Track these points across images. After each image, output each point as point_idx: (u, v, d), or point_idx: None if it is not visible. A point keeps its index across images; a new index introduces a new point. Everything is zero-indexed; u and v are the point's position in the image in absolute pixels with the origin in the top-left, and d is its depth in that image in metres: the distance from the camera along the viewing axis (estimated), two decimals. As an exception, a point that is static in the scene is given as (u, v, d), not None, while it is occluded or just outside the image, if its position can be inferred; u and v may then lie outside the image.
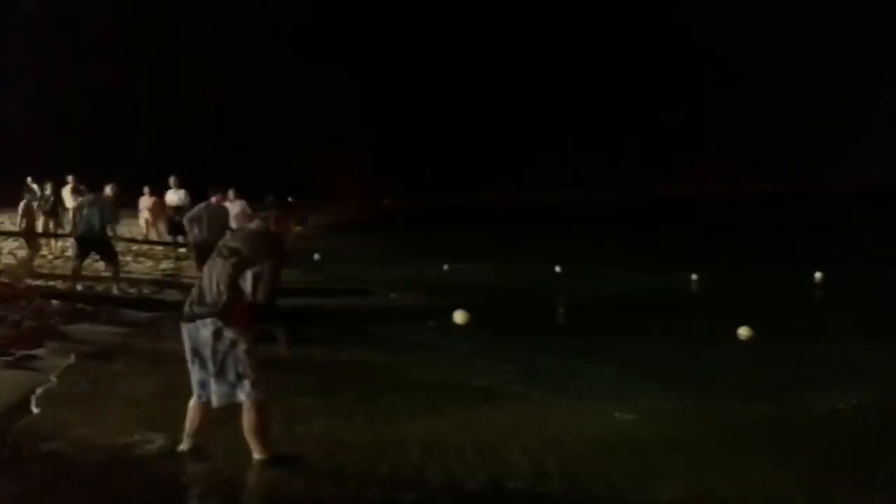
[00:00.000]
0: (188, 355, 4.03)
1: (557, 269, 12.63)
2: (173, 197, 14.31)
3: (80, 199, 10.71)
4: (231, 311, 3.88)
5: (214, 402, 4.00)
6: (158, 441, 4.35)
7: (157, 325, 7.79)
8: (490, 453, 4.39)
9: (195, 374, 4.04)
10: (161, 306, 8.97)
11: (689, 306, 10.34)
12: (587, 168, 51.09)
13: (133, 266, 12.47)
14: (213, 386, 3.96)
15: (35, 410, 5.01)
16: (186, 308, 4.01)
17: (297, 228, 16.92)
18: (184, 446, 4.19)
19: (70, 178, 12.81)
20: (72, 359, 6.28)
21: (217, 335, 3.88)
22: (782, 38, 55.84)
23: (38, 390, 5.36)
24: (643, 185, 48.96)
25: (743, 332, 7.54)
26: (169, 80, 40.32)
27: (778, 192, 42.15)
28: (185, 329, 3.99)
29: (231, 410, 4.04)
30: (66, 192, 12.95)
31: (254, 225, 4.20)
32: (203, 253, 8.06)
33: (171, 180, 14.20)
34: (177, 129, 38.43)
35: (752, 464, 4.35)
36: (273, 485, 3.92)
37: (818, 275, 11.61)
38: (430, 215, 33.25)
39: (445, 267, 13.26)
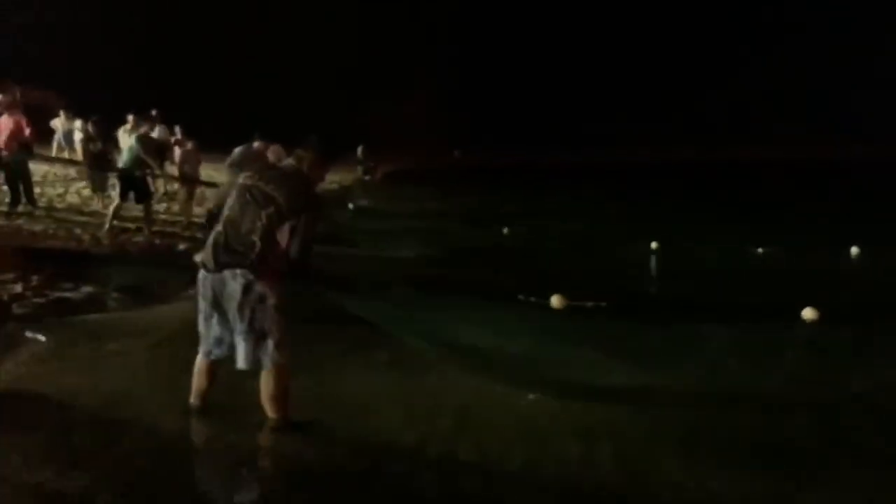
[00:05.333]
0: (205, 309, 3.65)
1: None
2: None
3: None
4: (265, 263, 3.50)
5: (241, 363, 3.62)
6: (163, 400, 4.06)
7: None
8: (532, 432, 3.96)
9: (212, 330, 3.67)
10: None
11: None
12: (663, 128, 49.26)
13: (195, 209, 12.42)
14: (241, 345, 3.58)
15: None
16: (208, 255, 3.58)
17: (367, 178, 16.88)
18: (192, 406, 3.87)
19: (130, 118, 12.65)
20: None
21: (247, 289, 3.50)
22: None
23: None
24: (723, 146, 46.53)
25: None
26: (230, 24, 40.38)
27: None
28: (208, 280, 3.59)
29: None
30: (122, 133, 12.87)
31: (286, 165, 3.77)
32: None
33: (153, 113, 13.53)
34: (237, 75, 38.60)
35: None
36: (284, 453, 3.60)
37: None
38: (501, 171, 32.33)
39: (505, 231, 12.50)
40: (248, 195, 3.57)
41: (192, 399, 3.86)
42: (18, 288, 6.02)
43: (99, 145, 12.21)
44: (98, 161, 11.80)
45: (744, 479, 3.51)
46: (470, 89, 49.27)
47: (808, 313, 6.44)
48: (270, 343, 3.57)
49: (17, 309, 5.52)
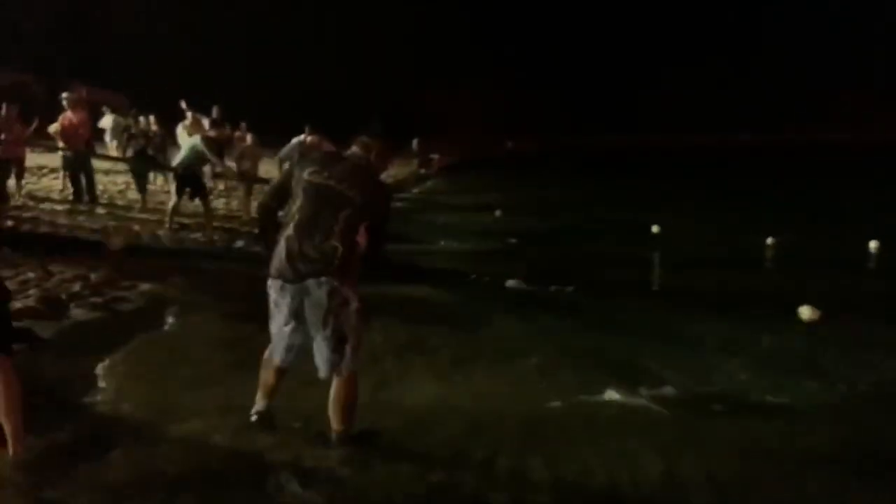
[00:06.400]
0: (282, 317, 3.38)
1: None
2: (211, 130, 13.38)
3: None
4: (347, 266, 3.27)
5: (323, 372, 3.40)
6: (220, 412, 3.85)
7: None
8: (615, 446, 3.62)
9: (286, 338, 3.42)
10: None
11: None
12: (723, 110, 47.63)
13: (254, 205, 12.37)
14: (324, 352, 3.34)
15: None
16: (283, 265, 3.30)
17: (422, 171, 16.91)
18: (254, 413, 3.64)
19: (189, 114, 12.60)
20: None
21: (332, 294, 3.26)
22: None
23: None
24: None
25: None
26: (283, 17, 40.63)
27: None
28: (287, 289, 3.32)
29: (305, 374, 3.50)
30: (181, 129, 12.83)
31: (353, 156, 3.45)
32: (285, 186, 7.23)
33: (214, 111, 13.28)
34: (291, 67, 38.79)
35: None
36: (347, 467, 3.33)
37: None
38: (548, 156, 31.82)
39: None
40: (320, 195, 3.29)
41: (257, 407, 3.65)
42: (77, 287, 5.95)
43: (141, 142, 12.29)
44: (137, 158, 11.91)
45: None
46: (520, 81, 48.74)
47: (805, 312, 5.99)
48: (349, 349, 3.34)
49: (74, 309, 5.42)
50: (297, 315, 3.35)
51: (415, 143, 23.94)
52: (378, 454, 3.44)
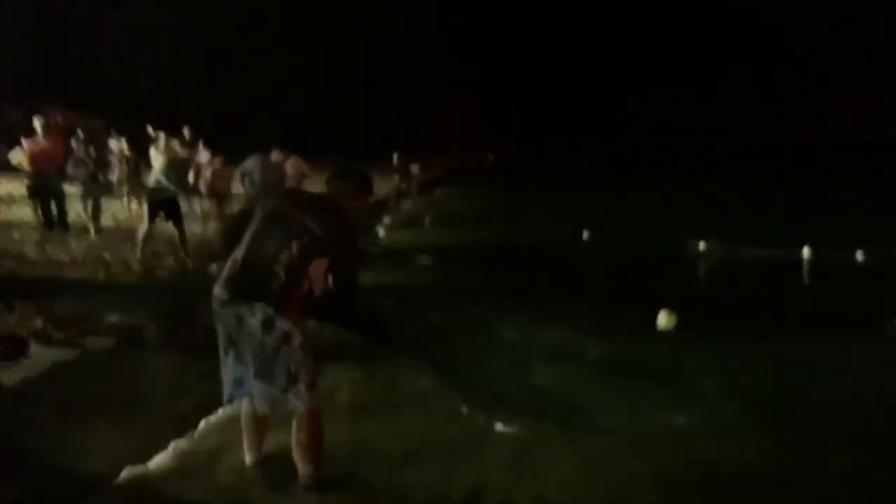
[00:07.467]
0: (221, 347, 3.22)
1: None
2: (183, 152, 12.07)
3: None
4: (289, 298, 3.07)
5: (261, 406, 3.23)
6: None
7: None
8: (597, 478, 3.47)
9: (229, 372, 3.23)
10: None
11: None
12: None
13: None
14: (256, 387, 3.15)
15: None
16: (220, 289, 3.13)
17: (403, 186, 16.21)
18: (248, 462, 3.51)
19: (161, 135, 12.29)
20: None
21: (267, 325, 3.05)
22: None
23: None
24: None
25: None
26: (260, 28, 40.34)
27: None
28: (221, 315, 3.15)
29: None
30: (153, 151, 12.50)
31: (323, 196, 3.33)
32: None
33: (185, 131, 12.83)
34: (270, 80, 38.46)
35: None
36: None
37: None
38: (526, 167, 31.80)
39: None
40: (279, 220, 3.15)
41: (248, 458, 3.50)
42: (38, 322, 5.69)
43: (91, 166, 11.96)
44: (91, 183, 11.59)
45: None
46: (505, 89, 48.87)
47: (662, 319, 5.52)
48: (302, 387, 3.13)
49: (35, 347, 5.15)
50: (231, 343, 3.17)
51: (395, 157, 23.77)
52: (354, 500, 3.24)
